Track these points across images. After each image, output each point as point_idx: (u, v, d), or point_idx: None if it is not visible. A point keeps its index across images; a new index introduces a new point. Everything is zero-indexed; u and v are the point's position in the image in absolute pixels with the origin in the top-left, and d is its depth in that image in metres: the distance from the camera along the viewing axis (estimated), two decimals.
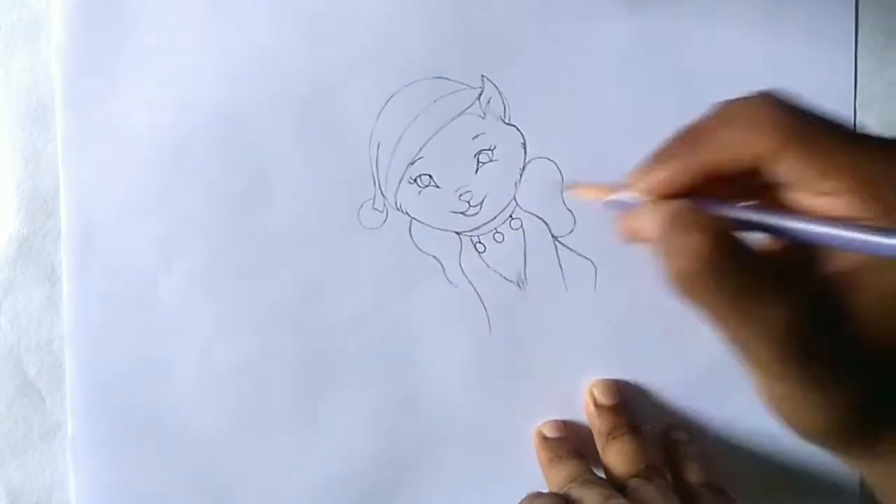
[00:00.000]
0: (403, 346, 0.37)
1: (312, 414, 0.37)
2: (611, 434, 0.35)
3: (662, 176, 0.24)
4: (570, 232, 0.37)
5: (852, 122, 0.37)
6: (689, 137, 0.25)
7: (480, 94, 0.37)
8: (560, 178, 0.37)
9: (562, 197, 0.37)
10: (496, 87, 0.37)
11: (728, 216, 0.24)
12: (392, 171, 0.37)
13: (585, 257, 0.37)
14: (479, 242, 0.37)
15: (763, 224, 0.24)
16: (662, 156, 0.25)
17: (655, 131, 0.37)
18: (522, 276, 0.37)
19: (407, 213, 0.37)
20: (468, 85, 0.37)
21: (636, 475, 0.33)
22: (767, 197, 0.24)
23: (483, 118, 0.37)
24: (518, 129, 0.37)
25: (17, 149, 0.38)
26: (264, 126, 0.37)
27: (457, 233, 0.37)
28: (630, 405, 0.37)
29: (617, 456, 0.35)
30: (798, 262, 0.24)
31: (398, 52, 0.37)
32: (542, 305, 0.37)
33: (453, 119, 0.37)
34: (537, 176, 0.37)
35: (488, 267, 0.37)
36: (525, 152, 0.37)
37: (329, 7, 0.37)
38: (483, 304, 0.37)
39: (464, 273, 0.37)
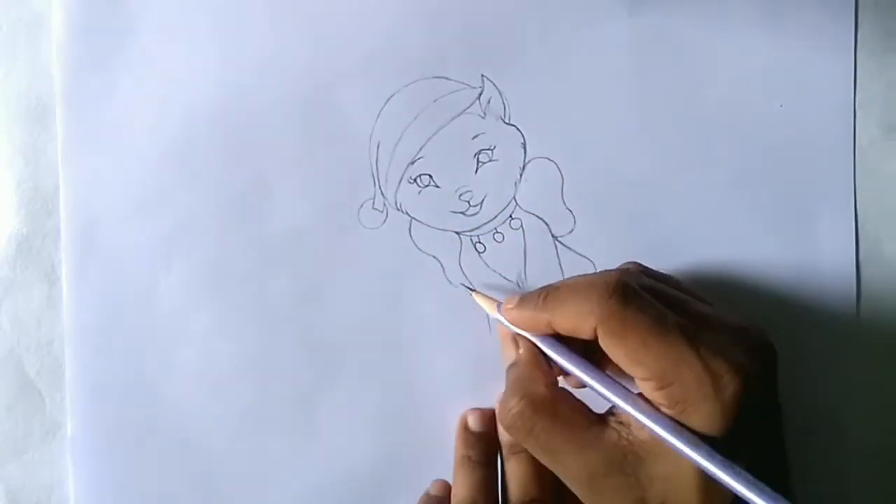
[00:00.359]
0: (403, 346, 0.37)
1: (312, 414, 0.37)
2: (510, 449, 0.34)
3: (524, 317, 0.32)
4: (570, 232, 0.37)
5: (852, 123, 0.37)
6: (544, 299, 0.31)
7: (480, 94, 0.37)
8: (560, 178, 0.37)
9: (562, 197, 0.37)
10: (496, 87, 0.37)
11: (561, 365, 0.31)
12: (392, 171, 0.37)
13: (585, 257, 0.37)
14: (479, 242, 0.37)
15: (584, 382, 0.31)
16: (527, 302, 0.32)
17: (655, 131, 0.37)
18: (522, 276, 0.37)
19: (407, 213, 0.37)
20: (468, 85, 0.37)
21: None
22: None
23: (483, 118, 0.37)
24: (518, 129, 0.37)
25: (17, 148, 0.38)
26: (264, 126, 0.37)
27: (457, 233, 0.37)
28: None
29: (510, 475, 0.33)
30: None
31: (398, 52, 0.37)
32: None
33: (453, 119, 0.37)
34: (537, 176, 0.37)
35: (488, 267, 0.37)
36: (525, 152, 0.37)
37: (329, 7, 0.37)
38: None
39: (464, 273, 0.37)
